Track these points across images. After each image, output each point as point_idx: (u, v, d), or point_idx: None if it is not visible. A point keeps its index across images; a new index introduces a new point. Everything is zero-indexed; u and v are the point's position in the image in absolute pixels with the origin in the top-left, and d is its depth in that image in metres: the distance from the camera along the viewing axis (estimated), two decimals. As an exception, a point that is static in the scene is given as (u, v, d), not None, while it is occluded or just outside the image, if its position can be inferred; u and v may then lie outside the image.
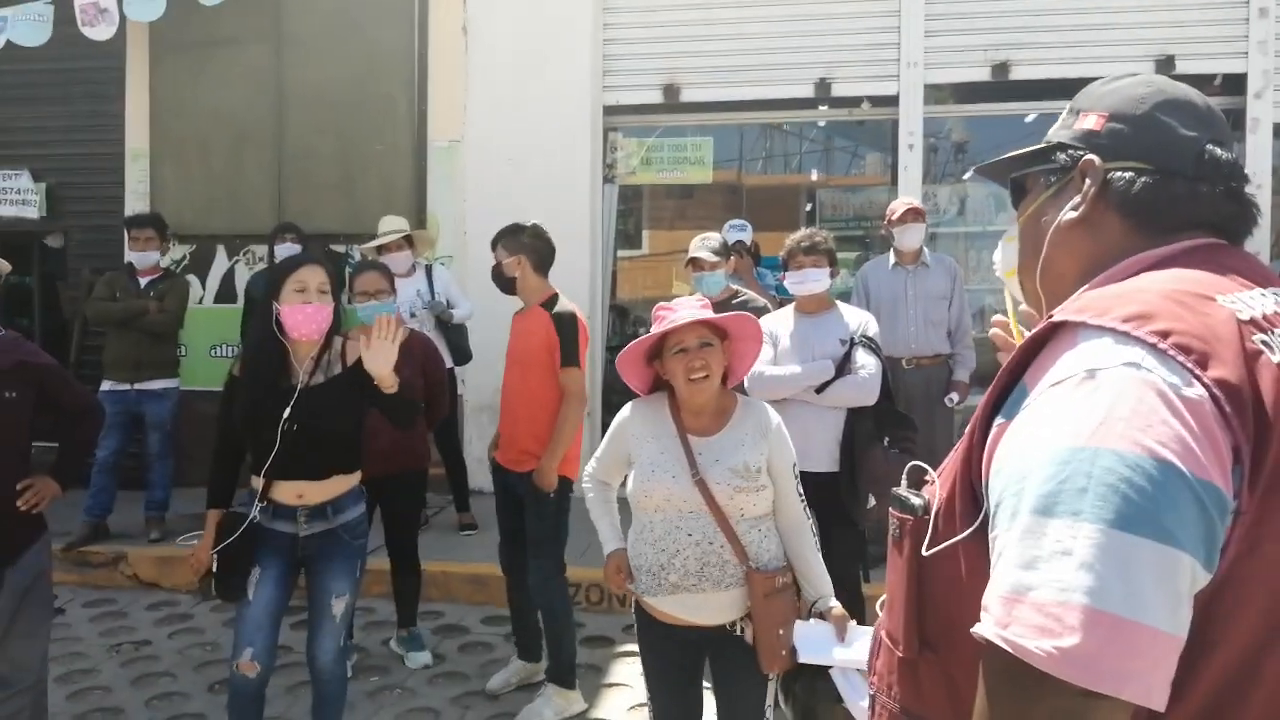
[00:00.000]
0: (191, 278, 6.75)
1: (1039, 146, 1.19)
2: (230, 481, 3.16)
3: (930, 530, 1.06)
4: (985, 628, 0.88)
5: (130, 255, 5.81)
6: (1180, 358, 0.89)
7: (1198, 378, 0.88)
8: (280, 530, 3.03)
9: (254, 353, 3.08)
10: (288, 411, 2.94)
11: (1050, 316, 1.01)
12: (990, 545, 0.94)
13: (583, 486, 2.79)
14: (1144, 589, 0.82)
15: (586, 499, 2.77)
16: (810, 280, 3.78)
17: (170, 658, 4.45)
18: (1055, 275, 1.15)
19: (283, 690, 3.98)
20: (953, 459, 1.08)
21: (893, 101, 6.37)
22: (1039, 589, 0.85)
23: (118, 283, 5.74)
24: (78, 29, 6.24)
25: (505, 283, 3.89)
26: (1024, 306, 1.36)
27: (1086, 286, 1.07)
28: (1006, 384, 1.03)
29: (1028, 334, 1.04)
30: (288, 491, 3.02)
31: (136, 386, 5.63)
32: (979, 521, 0.99)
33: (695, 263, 4.28)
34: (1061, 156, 1.14)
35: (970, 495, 1.02)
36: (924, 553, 1.05)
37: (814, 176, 8.32)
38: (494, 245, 3.89)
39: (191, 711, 3.92)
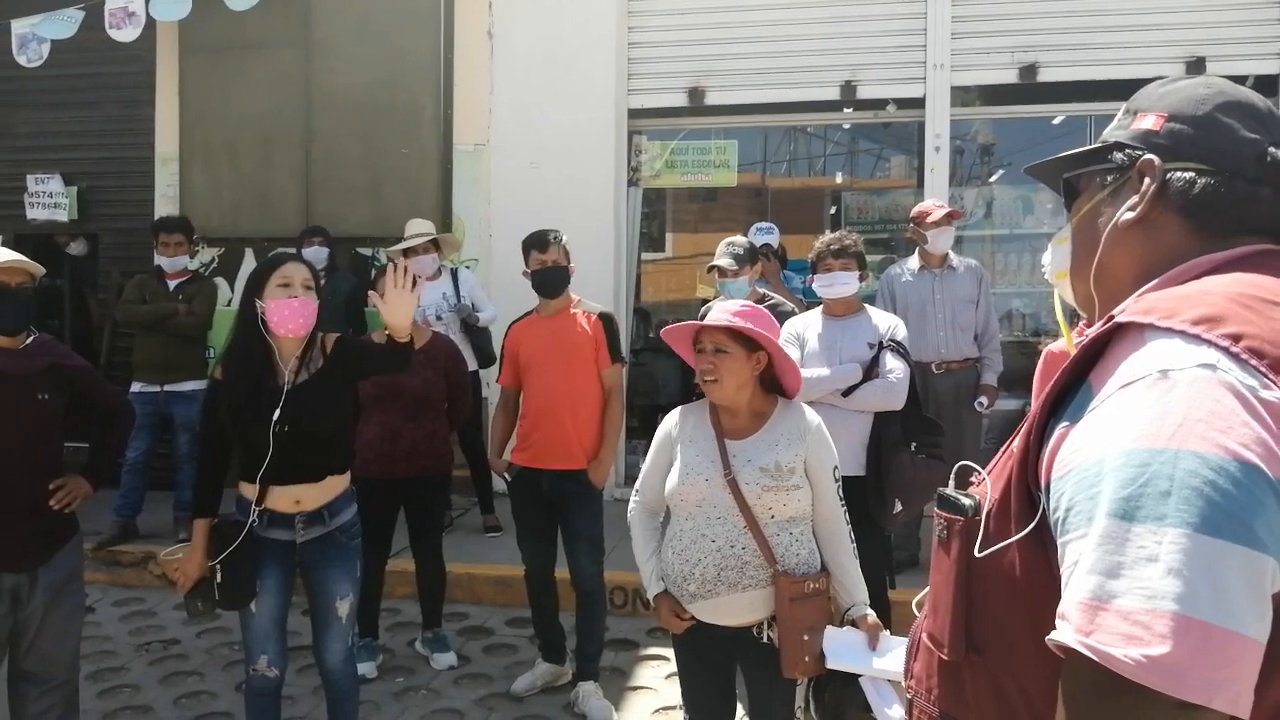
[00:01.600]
0: (220, 280, 6.79)
1: (1095, 146, 1.16)
2: (219, 488, 3.03)
3: (982, 531, 1.04)
4: (1065, 635, 0.85)
5: (159, 259, 5.88)
6: (1254, 361, 0.87)
7: (1273, 382, 0.86)
8: (277, 538, 2.97)
9: (238, 353, 2.95)
10: (277, 413, 2.84)
11: (1112, 317, 0.98)
12: (1059, 550, 0.91)
13: (629, 516, 2.73)
14: (1232, 595, 0.80)
15: (633, 529, 2.70)
16: (839, 283, 3.77)
17: (198, 657, 4.49)
18: (1111, 276, 1.12)
19: (309, 690, 4.01)
20: (1005, 459, 1.06)
21: (919, 104, 6.32)
22: (1124, 596, 0.82)
23: (147, 285, 5.80)
24: (107, 33, 6.31)
25: (561, 284, 3.91)
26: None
27: (1144, 289, 1.04)
28: (1066, 385, 1.00)
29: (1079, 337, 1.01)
30: (284, 499, 2.95)
31: (166, 388, 5.69)
32: (1035, 521, 0.97)
33: (718, 270, 4.27)
34: (1119, 156, 1.11)
35: (1026, 496, 1.00)
36: (977, 554, 1.03)
37: (839, 179, 8.30)
38: (545, 246, 3.88)
39: (219, 710, 3.96)
